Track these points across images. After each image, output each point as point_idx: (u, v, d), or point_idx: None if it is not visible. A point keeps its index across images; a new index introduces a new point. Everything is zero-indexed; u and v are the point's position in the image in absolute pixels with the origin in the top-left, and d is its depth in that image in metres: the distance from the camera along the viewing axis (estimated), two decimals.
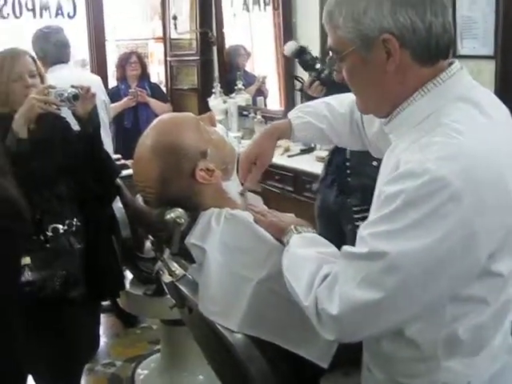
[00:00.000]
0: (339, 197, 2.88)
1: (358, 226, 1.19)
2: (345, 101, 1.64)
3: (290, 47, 3.09)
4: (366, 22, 1.14)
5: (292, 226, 1.40)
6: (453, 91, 1.17)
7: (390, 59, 1.15)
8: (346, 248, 1.18)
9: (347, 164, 2.81)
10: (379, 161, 1.32)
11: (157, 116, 4.70)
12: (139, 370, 3.18)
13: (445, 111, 1.14)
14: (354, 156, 2.73)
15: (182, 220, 1.42)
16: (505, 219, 1.09)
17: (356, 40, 1.16)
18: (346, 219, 2.82)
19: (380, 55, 1.15)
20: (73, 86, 2.31)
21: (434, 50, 1.16)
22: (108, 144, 3.68)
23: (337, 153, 2.86)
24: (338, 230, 2.86)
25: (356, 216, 2.74)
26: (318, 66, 2.92)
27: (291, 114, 1.70)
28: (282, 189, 3.81)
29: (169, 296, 2.60)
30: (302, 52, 3.06)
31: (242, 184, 1.61)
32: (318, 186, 3.06)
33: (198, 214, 1.47)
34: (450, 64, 1.20)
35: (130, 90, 4.86)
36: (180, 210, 1.43)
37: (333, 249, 1.32)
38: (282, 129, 1.68)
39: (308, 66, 3.02)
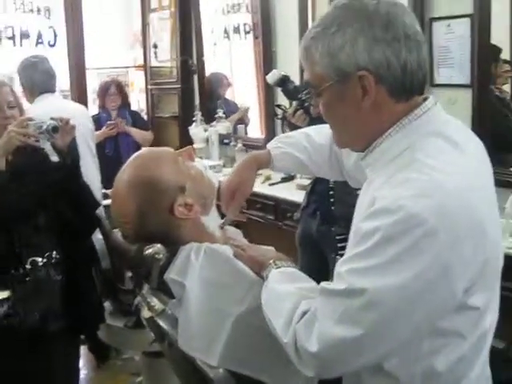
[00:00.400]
0: (322, 225, 2.88)
1: (342, 255, 1.19)
2: (324, 132, 1.65)
3: (273, 76, 3.10)
4: (342, 57, 1.15)
5: (271, 261, 1.40)
6: (427, 127, 1.18)
7: (366, 96, 1.16)
8: (324, 285, 1.18)
9: (331, 193, 2.82)
10: None
11: (138, 144, 4.71)
12: None
13: (419, 146, 1.15)
14: (337, 184, 2.72)
15: (161, 255, 1.41)
16: (479, 253, 1.10)
17: (332, 76, 1.18)
18: (329, 248, 2.81)
19: (356, 92, 1.16)
20: (52, 118, 2.29)
21: (409, 87, 1.17)
22: (95, 173, 3.68)
23: (319, 181, 2.86)
24: (321, 258, 2.86)
25: (340, 245, 2.74)
26: (301, 94, 2.90)
27: (270, 145, 1.71)
28: (263, 217, 3.81)
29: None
30: (285, 81, 3.06)
31: (224, 216, 1.61)
32: (300, 215, 3.06)
33: (177, 249, 1.46)
34: (425, 99, 1.21)
35: (108, 122, 4.83)
36: (158, 245, 1.42)
37: (312, 284, 1.31)
38: (261, 159, 1.68)
39: (291, 95, 3.02)
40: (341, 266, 1.13)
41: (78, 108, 3.90)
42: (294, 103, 2.96)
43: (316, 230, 2.90)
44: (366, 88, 1.15)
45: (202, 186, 1.52)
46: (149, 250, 1.41)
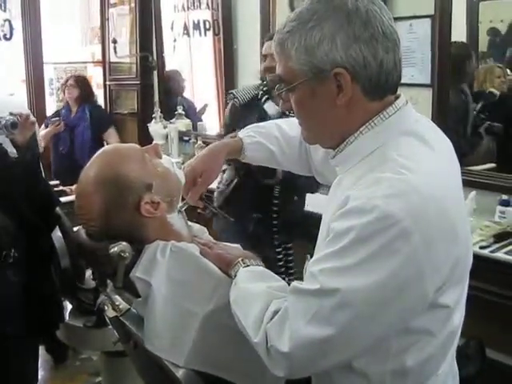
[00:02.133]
0: (262, 230, 2.84)
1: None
2: (295, 124, 1.64)
3: None
4: (319, 54, 1.14)
5: (239, 259, 1.38)
6: (399, 125, 1.18)
7: (341, 94, 1.15)
8: (296, 284, 1.17)
9: (275, 201, 2.81)
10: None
11: (93, 141, 4.68)
12: None
13: (391, 145, 1.15)
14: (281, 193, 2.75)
15: (127, 254, 1.38)
16: (450, 252, 1.11)
17: (307, 72, 1.16)
18: (269, 249, 2.79)
19: (331, 89, 1.15)
20: (11, 114, 2.24)
21: (384, 86, 1.17)
22: None
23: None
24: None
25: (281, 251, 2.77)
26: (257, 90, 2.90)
27: (242, 133, 1.67)
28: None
29: (110, 327, 2.55)
30: None
31: (184, 199, 1.58)
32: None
33: (143, 247, 1.44)
34: (396, 98, 1.21)
35: (52, 119, 4.88)
36: (124, 243, 1.39)
37: (281, 283, 1.31)
38: (232, 147, 1.64)
39: None
40: (313, 266, 1.12)
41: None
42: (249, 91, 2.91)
43: (253, 232, 2.81)
44: (342, 85, 1.14)
45: (168, 184, 1.49)
46: (114, 249, 1.37)
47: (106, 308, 1.61)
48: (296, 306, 1.12)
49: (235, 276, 1.35)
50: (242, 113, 2.92)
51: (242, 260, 1.38)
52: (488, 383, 2.75)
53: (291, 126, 1.66)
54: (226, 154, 1.63)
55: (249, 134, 1.67)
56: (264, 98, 2.89)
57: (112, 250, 1.38)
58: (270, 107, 2.84)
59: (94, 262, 1.48)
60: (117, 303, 1.52)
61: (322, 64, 1.14)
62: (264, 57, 2.97)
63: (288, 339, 1.10)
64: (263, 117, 2.89)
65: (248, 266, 1.37)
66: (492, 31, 3.36)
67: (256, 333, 1.18)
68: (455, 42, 3.27)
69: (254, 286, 1.28)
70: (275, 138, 1.66)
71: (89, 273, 2.58)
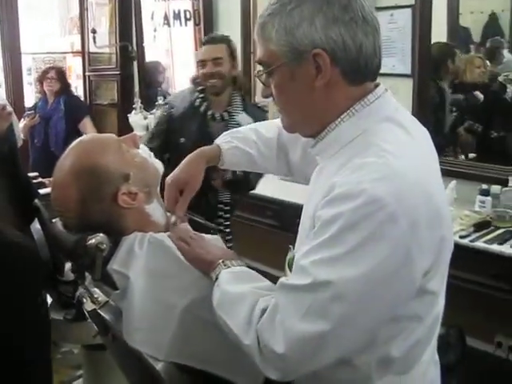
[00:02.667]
0: None
1: None
2: (272, 126, 1.64)
3: None
4: (299, 35, 1.13)
5: (220, 261, 1.34)
6: (380, 112, 1.18)
7: (320, 75, 1.14)
8: (284, 280, 1.15)
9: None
10: None
11: (67, 133, 4.64)
12: None
13: (373, 131, 1.15)
14: None
15: (104, 245, 1.36)
16: (437, 235, 1.10)
17: (287, 53, 1.15)
18: None
19: (310, 70, 1.14)
20: None
21: (363, 70, 1.16)
22: None
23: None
24: None
25: None
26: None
27: (219, 140, 1.65)
28: None
29: (90, 320, 2.53)
30: None
31: (169, 211, 1.55)
32: None
33: (121, 239, 1.42)
34: (376, 86, 1.21)
35: (27, 112, 4.88)
36: (101, 235, 1.37)
37: (266, 283, 1.28)
38: (210, 154, 1.61)
39: None
40: (303, 259, 1.10)
41: None
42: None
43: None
44: (321, 67, 1.13)
45: (146, 174, 1.47)
46: (92, 240, 1.36)
47: (84, 301, 1.59)
48: (287, 303, 1.10)
49: (217, 278, 1.31)
50: (182, 122, 2.89)
51: (223, 262, 1.34)
52: (468, 370, 2.80)
53: (267, 128, 1.65)
54: (206, 162, 1.60)
55: (226, 139, 1.64)
56: (203, 106, 2.88)
57: (89, 242, 1.36)
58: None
59: (72, 255, 1.46)
60: (95, 296, 1.50)
61: (302, 45, 1.13)
62: (202, 62, 2.89)
63: (282, 338, 1.08)
64: (204, 123, 2.89)
65: (230, 267, 1.33)
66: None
67: (246, 334, 1.15)
68: (438, 42, 3.29)
69: (238, 288, 1.25)
70: (253, 141, 1.64)
71: (68, 265, 2.56)
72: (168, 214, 1.55)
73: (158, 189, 1.53)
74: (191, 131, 2.84)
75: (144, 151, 1.51)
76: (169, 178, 1.55)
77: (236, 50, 2.96)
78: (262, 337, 1.12)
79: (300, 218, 1.32)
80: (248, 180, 2.79)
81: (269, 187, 3.35)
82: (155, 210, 1.50)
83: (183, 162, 1.59)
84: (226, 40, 2.94)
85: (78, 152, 1.43)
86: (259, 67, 1.25)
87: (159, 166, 1.53)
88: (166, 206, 1.54)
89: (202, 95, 2.89)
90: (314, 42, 1.13)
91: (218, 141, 1.65)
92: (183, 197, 1.54)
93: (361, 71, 1.16)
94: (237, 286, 1.26)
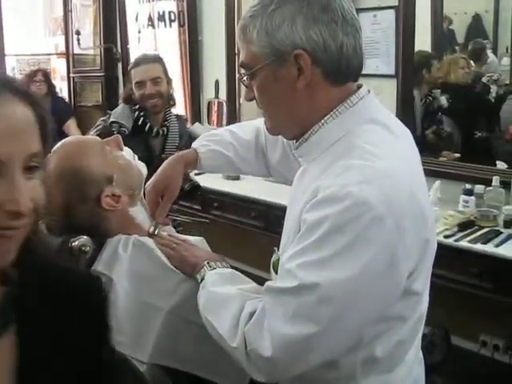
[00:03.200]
0: None
1: None
2: (249, 128, 1.63)
3: None
4: (280, 36, 1.13)
5: (205, 262, 1.35)
6: (363, 114, 1.18)
7: (301, 76, 1.14)
8: (271, 284, 1.15)
9: None
10: None
11: (55, 134, 4.64)
12: None
13: (357, 133, 1.15)
14: None
15: (88, 248, 1.37)
16: (421, 235, 1.11)
17: (268, 55, 1.15)
18: None
19: (291, 71, 1.15)
20: None
21: (345, 70, 1.16)
22: None
23: None
24: None
25: None
26: None
27: (196, 144, 1.63)
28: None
29: None
30: None
31: (152, 216, 1.54)
32: None
33: (105, 241, 1.42)
34: (359, 87, 1.21)
35: None
36: (85, 237, 1.38)
37: (252, 284, 1.28)
38: (187, 158, 1.60)
39: None
40: (289, 262, 1.10)
41: None
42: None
43: None
44: (302, 68, 1.13)
45: (130, 177, 1.47)
46: (75, 243, 1.36)
47: None
48: (274, 306, 1.10)
49: (203, 279, 1.31)
50: (130, 142, 2.84)
51: (208, 263, 1.35)
52: (453, 369, 2.81)
53: (244, 130, 1.64)
54: (184, 166, 1.58)
55: (202, 143, 1.63)
56: (147, 124, 2.90)
57: (73, 244, 1.36)
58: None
59: (55, 257, 1.45)
60: None
61: (283, 45, 1.14)
62: (140, 83, 2.90)
63: (269, 342, 1.08)
64: (148, 140, 2.91)
65: (215, 268, 1.34)
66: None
67: (233, 338, 1.14)
68: (419, 50, 3.32)
69: (224, 289, 1.25)
70: (230, 144, 1.62)
71: None
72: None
73: (142, 192, 1.53)
74: (139, 150, 2.83)
75: (128, 153, 1.51)
76: (148, 185, 1.54)
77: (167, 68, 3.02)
78: (249, 340, 1.11)
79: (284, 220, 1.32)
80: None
81: (253, 188, 3.36)
82: (139, 214, 1.50)
83: (161, 166, 1.57)
84: (159, 59, 3.01)
85: (61, 154, 1.43)
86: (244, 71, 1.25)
87: (143, 169, 1.53)
88: (149, 211, 1.53)
89: (142, 113, 2.91)
90: (294, 43, 1.13)
91: (194, 144, 1.63)
92: (163, 201, 1.53)
93: (342, 71, 1.16)
94: (223, 287, 1.26)
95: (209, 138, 1.64)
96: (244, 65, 1.22)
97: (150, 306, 1.36)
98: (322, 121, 1.18)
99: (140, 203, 1.51)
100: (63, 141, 1.49)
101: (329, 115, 1.18)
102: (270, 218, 3.25)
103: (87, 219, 1.41)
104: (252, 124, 1.60)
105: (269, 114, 1.27)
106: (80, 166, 1.40)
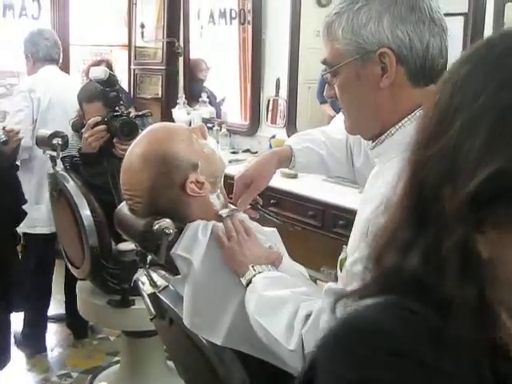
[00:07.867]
0: None
1: None
2: (339, 127, 1.61)
3: (99, 73, 2.64)
4: (366, 34, 1.14)
5: (250, 266, 1.36)
6: None
7: (385, 75, 1.15)
8: (334, 286, 1.15)
9: None
10: None
11: None
12: (97, 382, 3.10)
13: None
14: None
15: (171, 230, 1.40)
16: None
17: (353, 52, 1.16)
18: None
19: (375, 70, 1.15)
20: (4, 129, 2.66)
21: (429, 71, 1.17)
22: None
23: None
24: None
25: None
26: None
27: (290, 141, 1.64)
28: None
29: (133, 307, 2.58)
30: (110, 83, 2.64)
31: (233, 204, 1.58)
32: None
33: (184, 226, 1.46)
34: None
35: None
36: (168, 220, 1.41)
37: (303, 288, 1.29)
38: (282, 154, 1.61)
39: (110, 101, 2.68)
40: (353, 265, 1.10)
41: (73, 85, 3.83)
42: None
43: None
44: (386, 67, 1.14)
45: (213, 165, 1.51)
46: (159, 224, 1.40)
47: (141, 285, 1.63)
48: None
49: (250, 282, 1.33)
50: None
51: (253, 266, 1.36)
52: None
53: (335, 129, 1.64)
54: (277, 163, 1.60)
55: (297, 140, 1.63)
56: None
57: (156, 226, 1.40)
58: None
59: (139, 238, 1.49)
60: (155, 279, 1.54)
61: (368, 44, 1.14)
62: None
63: None
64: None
65: (261, 272, 1.34)
66: None
67: (289, 340, 1.15)
68: None
69: (276, 293, 1.26)
70: (323, 142, 1.63)
71: (115, 251, 2.61)
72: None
73: (222, 181, 1.57)
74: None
75: (212, 143, 1.55)
76: (238, 173, 1.58)
77: None
78: (307, 343, 1.12)
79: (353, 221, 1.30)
80: None
81: (310, 186, 3.36)
82: (218, 200, 1.54)
83: (255, 160, 1.60)
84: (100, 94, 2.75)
85: (150, 139, 1.47)
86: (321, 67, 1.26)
87: (224, 159, 1.57)
88: (233, 199, 1.57)
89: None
90: (380, 41, 1.14)
91: (288, 142, 1.64)
92: (248, 192, 1.56)
93: (426, 72, 1.16)
94: (274, 290, 1.26)
95: (302, 136, 1.66)
96: (327, 62, 1.23)
97: (226, 291, 1.39)
98: (400, 123, 1.19)
99: (220, 191, 1.55)
100: (151, 126, 1.53)
101: (407, 118, 1.18)
102: (326, 217, 3.25)
103: (170, 203, 1.44)
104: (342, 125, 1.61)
105: (348, 113, 1.27)
106: (168, 151, 1.44)
